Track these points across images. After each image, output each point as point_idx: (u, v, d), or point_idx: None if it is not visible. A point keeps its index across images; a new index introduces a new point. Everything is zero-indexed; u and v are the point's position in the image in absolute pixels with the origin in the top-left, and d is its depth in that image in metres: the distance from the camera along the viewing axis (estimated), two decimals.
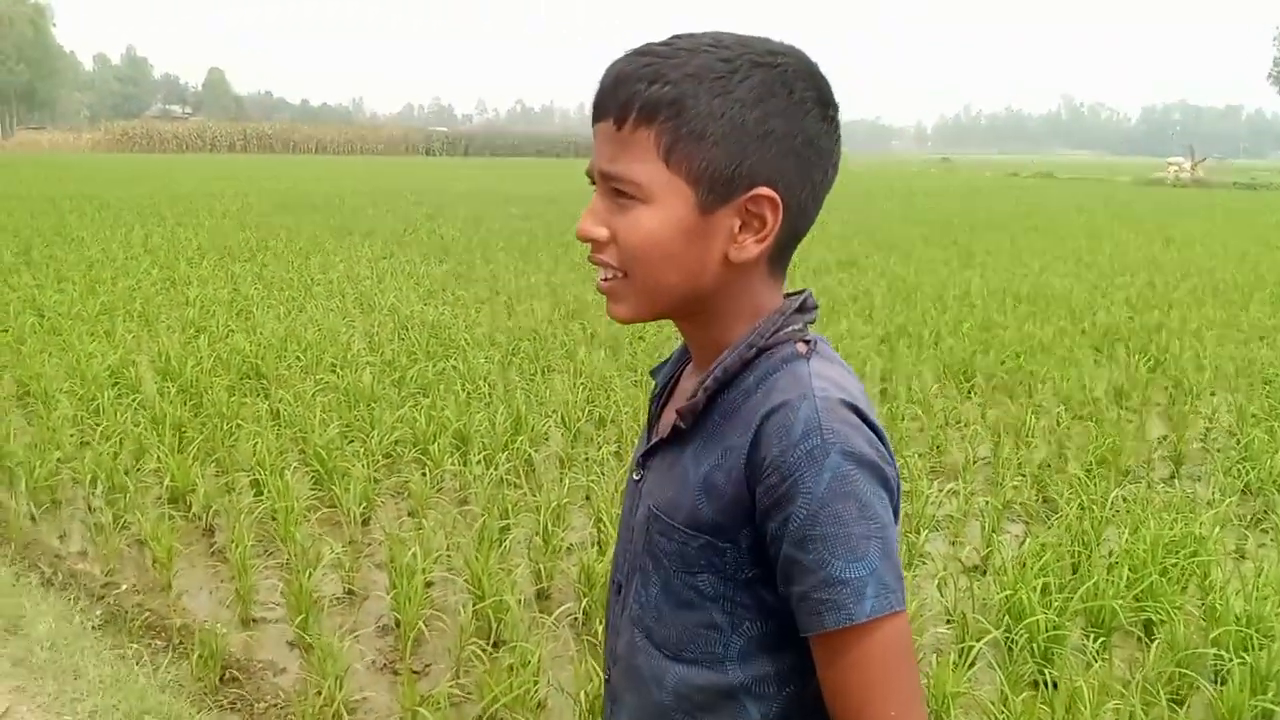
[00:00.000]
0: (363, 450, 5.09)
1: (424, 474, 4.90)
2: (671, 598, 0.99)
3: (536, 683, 3.07)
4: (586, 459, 5.22)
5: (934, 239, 16.44)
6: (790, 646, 0.94)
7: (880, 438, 0.93)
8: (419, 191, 27.91)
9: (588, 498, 4.71)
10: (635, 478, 1.08)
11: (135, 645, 3.41)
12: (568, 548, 4.19)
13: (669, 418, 1.04)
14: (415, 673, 3.32)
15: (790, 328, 0.98)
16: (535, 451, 5.26)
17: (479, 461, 5.00)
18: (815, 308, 1.03)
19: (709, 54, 0.91)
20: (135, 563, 4.17)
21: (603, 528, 4.18)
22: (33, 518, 4.57)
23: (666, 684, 0.99)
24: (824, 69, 0.98)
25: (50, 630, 3.34)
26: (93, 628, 3.54)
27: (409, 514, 4.58)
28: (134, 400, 5.92)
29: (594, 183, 0.99)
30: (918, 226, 18.79)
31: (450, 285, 10.58)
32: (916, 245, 15.24)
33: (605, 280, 0.99)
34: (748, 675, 0.96)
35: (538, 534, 4.14)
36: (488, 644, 3.37)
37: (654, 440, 1.06)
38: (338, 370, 6.65)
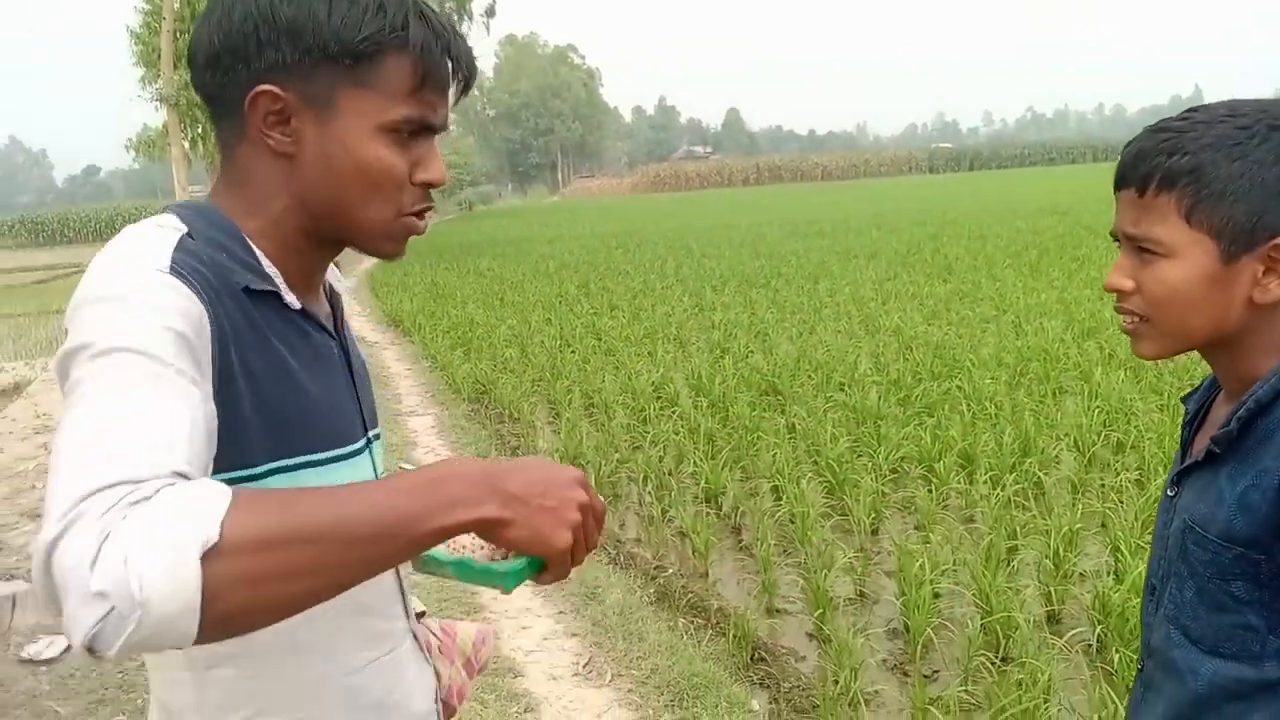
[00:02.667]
0: (870, 464, 5.38)
1: (930, 490, 5.06)
2: (1206, 601, 1.11)
3: (1047, 701, 3.10)
4: (1103, 485, 5.01)
5: None
6: None
7: None
8: (921, 211, 27.88)
9: (1104, 525, 4.54)
10: (1170, 494, 1.22)
11: (682, 620, 4.02)
12: (1080, 574, 4.09)
13: (1202, 443, 1.18)
14: (925, 676, 3.51)
15: None
16: (1045, 475, 5.16)
17: (985, 481, 5.04)
18: None
19: (1225, 124, 1.06)
20: (678, 551, 4.85)
21: (1120, 557, 4.02)
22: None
23: (1202, 675, 1.12)
24: None
25: (619, 600, 4.06)
26: (648, 602, 4.22)
27: (915, 527, 4.77)
28: (673, 412, 6.82)
29: (1118, 242, 1.16)
30: None
31: (954, 304, 10.56)
32: None
33: (1129, 324, 1.16)
34: None
35: (1047, 557, 4.10)
36: (996, 657, 3.46)
37: (1188, 462, 1.19)
38: (846, 388, 7.03)
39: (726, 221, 29.00)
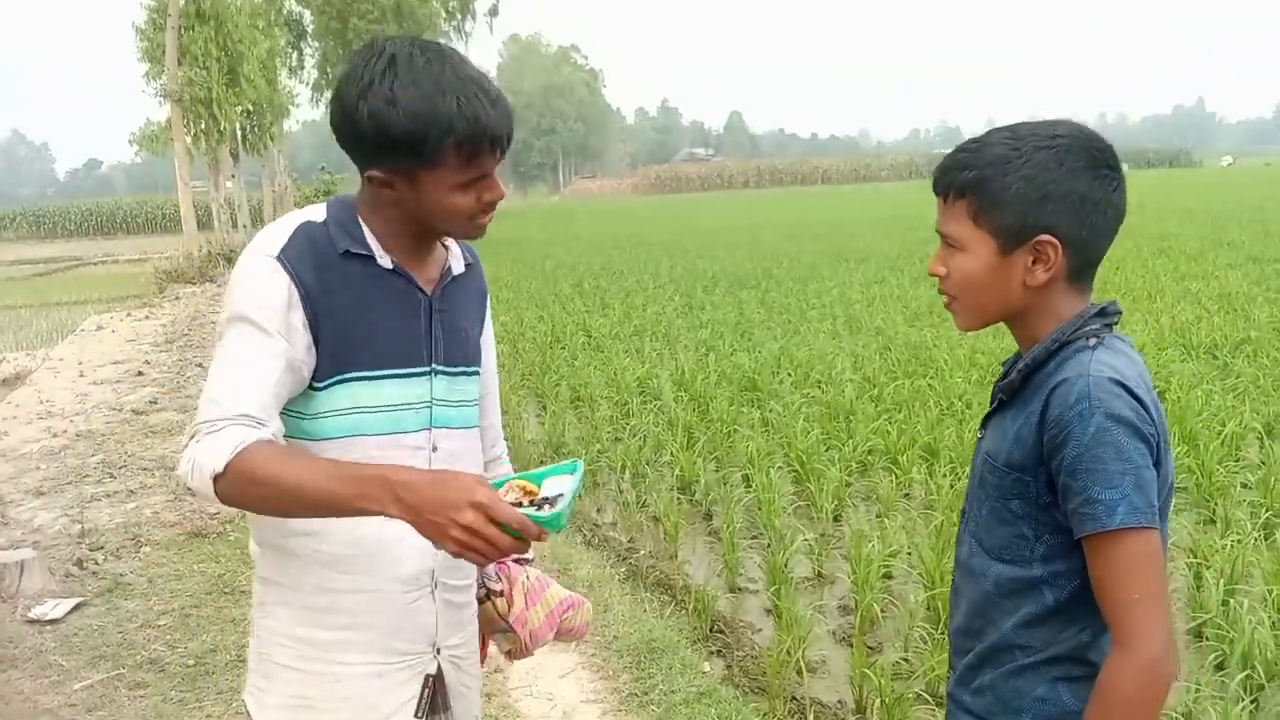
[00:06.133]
0: (838, 457, 5.64)
1: (894, 480, 5.32)
2: (994, 516, 1.41)
3: None
4: None
5: None
6: (1077, 551, 1.31)
7: (1144, 407, 1.28)
8: (916, 216, 28.10)
9: None
10: (980, 436, 1.51)
11: (647, 595, 4.28)
12: None
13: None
14: (870, 647, 3.77)
15: (1089, 328, 1.36)
16: None
17: (945, 474, 5.29)
18: (1118, 313, 1.40)
19: (1004, 145, 1.36)
20: (651, 534, 5.11)
21: None
22: (580, 496, 5.76)
23: (990, 576, 1.41)
24: None
25: (589, 575, 4.32)
26: (618, 579, 4.48)
27: (877, 515, 5.03)
28: (655, 405, 7.08)
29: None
30: None
31: (938, 307, 10.80)
32: None
33: (946, 302, 1.47)
34: (1046, 571, 1.35)
35: None
36: (935, 629, 3.72)
37: (990, 410, 1.49)
38: (822, 386, 7.29)
39: (724, 224, 29.27)
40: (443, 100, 1.38)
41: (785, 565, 4.25)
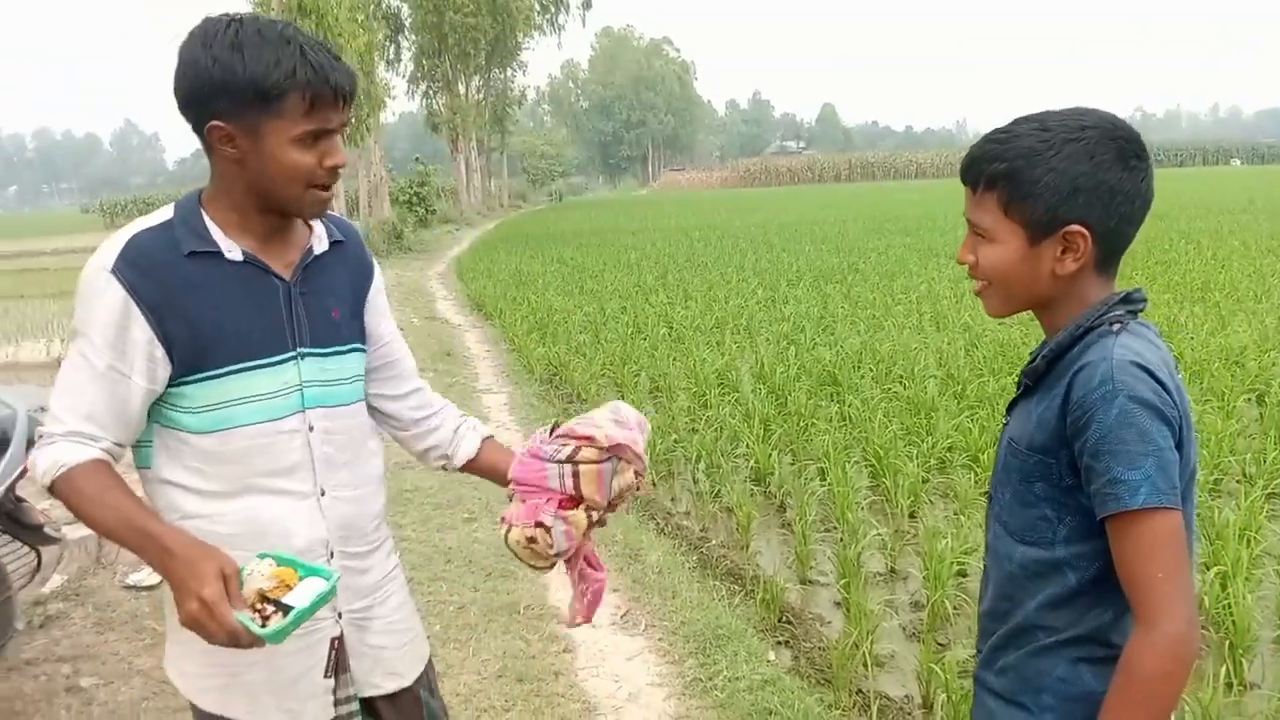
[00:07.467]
0: (917, 452, 5.56)
1: (973, 477, 5.23)
2: (1017, 499, 1.43)
3: None
4: None
5: None
6: (1099, 533, 1.32)
7: (1166, 390, 1.28)
8: None
9: None
10: (1005, 421, 1.52)
11: (717, 583, 4.30)
12: None
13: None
14: (940, 644, 3.72)
15: (1113, 314, 1.37)
16: None
17: None
18: (1143, 300, 1.40)
19: (1033, 136, 1.36)
20: (724, 525, 5.13)
21: None
22: (654, 483, 5.81)
23: (1014, 559, 1.43)
24: None
25: (659, 561, 4.35)
26: (689, 568, 4.50)
27: (955, 513, 4.95)
28: (733, 398, 7.08)
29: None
30: None
31: None
32: None
33: (977, 288, 1.48)
34: (1069, 553, 1.37)
35: None
36: None
37: (1015, 396, 1.51)
38: (904, 381, 7.19)
39: (812, 218, 28.97)
40: (286, 48, 1.43)
41: (857, 559, 4.23)
